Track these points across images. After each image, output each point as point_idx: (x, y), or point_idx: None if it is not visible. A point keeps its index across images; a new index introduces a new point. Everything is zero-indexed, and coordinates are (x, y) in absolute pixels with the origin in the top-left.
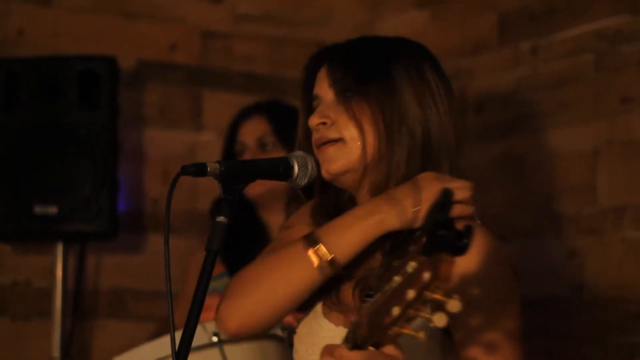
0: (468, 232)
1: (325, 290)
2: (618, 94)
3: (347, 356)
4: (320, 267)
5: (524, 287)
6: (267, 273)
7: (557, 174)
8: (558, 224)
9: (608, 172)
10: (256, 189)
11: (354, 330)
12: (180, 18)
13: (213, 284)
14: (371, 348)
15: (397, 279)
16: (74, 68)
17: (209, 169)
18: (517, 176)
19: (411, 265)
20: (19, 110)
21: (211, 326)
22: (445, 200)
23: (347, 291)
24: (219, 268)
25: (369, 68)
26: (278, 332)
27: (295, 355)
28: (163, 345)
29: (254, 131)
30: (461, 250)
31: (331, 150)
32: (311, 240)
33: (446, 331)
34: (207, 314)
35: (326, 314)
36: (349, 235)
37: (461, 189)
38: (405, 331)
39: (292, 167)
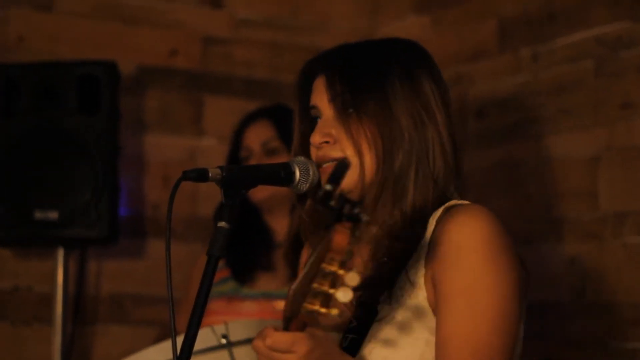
0: (359, 203)
1: None
2: (618, 99)
3: (271, 337)
4: None
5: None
6: None
7: (557, 179)
8: (558, 229)
9: (608, 178)
10: (261, 193)
11: (283, 312)
12: (180, 23)
13: (218, 288)
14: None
15: (313, 255)
16: (73, 73)
17: (210, 174)
18: (517, 182)
19: (323, 241)
20: (19, 116)
21: (220, 328)
22: (337, 171)
23: None
24: (223, 272)
25: (366, 83)
26: None
27: None
28: (169, 348)
29: (259, 136)
30: (353, 218)
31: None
32: None
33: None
34: (213, 318)
35: None
36: None
37: None
38: (313, 307)
39: (294, 173)
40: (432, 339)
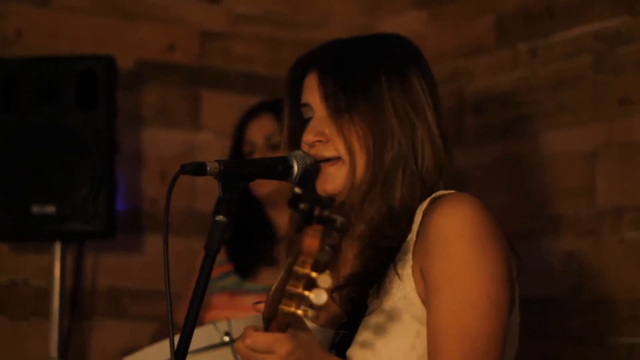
0: (329, 202)
1: None
2: (616, 95)
3: (251, 337)
4: None
5: (522, 288)
6: None
7: (555, 175)
8: (556, 225)
9: (606, 174)
10: (265, 188)
11: (263, 313)
12: (178, 18)
13: (220, 283)
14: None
15: (289, 258)
16: (72, 68)
17: (208, 168)
18: (515, 177)
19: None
20: (17, 111)
21: (222, 325)
22: (306, 174)
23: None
24: (226, 267)
25: (358, 82)
26: None
27: None
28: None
29: (262, 130)
30: (323, 221)
31: (331, 169)
32: None
33: None
34: (215, 312)
35: None
36: None
37: None
38: (289, 309)
39: (292, 167)
40: (423, 329)
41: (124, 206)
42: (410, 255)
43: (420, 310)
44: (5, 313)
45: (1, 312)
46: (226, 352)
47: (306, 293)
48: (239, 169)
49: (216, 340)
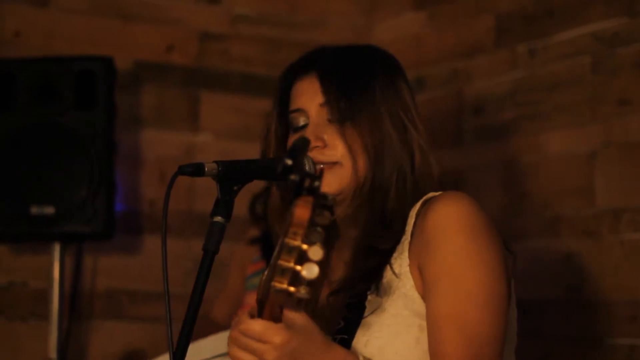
0: (319, 175)
1: None
2: (615, 96)
3: (245, 323)
4: None
5: (521, 289)
6: None
7: (554, 176)
8: (555, 226)
9: (605, 175)
10: None
11: (257, 293)
12: (177, 19)
13: (253, 281)
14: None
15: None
16: (70, 69)
17: (206, 169)
18: (514, 178)
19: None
20: (16, 111)
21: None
22: (296, 146)
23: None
24: (259, 264)
25: (359, 91)
26: None
27: None
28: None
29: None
30: (313, 192)
31: (328, 174)
32: None
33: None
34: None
35: None
36: None
37: None
38: (281, 286)
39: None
40: (425, 324)
41: (122, 207)
42: (406, 254)
43: (420, 305)
44: (3, 314)
45: (0, 313)
46: None
47: (297, 267)
48: (237, 170)
49: None
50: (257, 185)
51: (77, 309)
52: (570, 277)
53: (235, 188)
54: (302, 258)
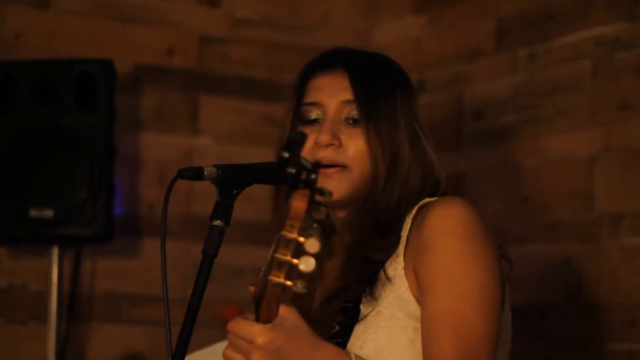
0: (315, 167)
1: None
2: (615, 100)
3: (235, 322)
4: None
5: (520, 293)
6: None
7: (554, 180)
8: (555, 230)
9: (605, 179)
10: None
11: (253, 294)
12: (177, 22)
13: None
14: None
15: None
16: (70, 71)
17: (206, 173)
18: (514, 182)
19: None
20: (16, 114)
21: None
22: (293, 139)
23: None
24: None
25: (380, 97)
26: None
27: None
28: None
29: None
30: (310, 185)
31: (336, 177)
32: None
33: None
34: None
35: None
36: None
37: None
38: (278, 279)
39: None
40: (419, 326)
41: (121, 210)
42: (401, 258)
43: (415, 308)
44: (2, 317)
45: None
46: None
47: (294, 261)
48: (236, 174)
49: None
50: (256, 189)
51: (76, 312)
52: (570, 281)
53: (234, 192)
54: (299, 251)
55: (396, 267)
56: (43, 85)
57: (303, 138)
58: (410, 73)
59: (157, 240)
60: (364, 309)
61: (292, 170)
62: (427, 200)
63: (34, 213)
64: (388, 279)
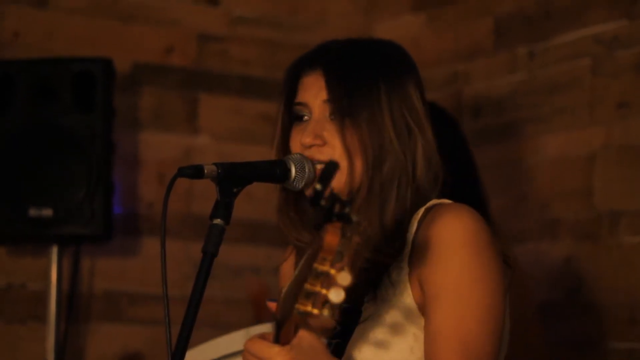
0: (350, 202)
1: None
2: (614, 99)
3: (254, 343)
4: None
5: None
6: None
7: (553, 178)
8: (554, 229)
9: (604, 178)
10: None
11: (274, 315)
12: (176, 21)
13: None
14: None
15: (303, 258)
16: (69, 70)
17: (206, 171)
18: (513, 181)
19: (314, 241)
20: (14, 113)
21: (255, 330)
22: (326, 171)
23: None
24: None
25: (363, 91)
26: None
27: None
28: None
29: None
30: (343, 218)
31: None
32: None
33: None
34: None
35: None
36: None
37: None
38: (305, 308)
39: (289, 170)
40: (420, 334)
41: (120, 209)
42: (405, 263)
43: (416, 316)
44: (1, 316)
45: None
46: None
47: (324, 291)
48: (236, 172)
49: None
50: (256, 188)
51: (75, 311)
52: (569, 279)
53: (234, 190)
54: (330, 283)
55: (400, 272)
56: (41, 84)
57: (335, 169)
58: None
59: (156, 240)
60: (365, 311)
61: (326, 203)
62: (434, 201)
63: (33, 212)
64: (391, 283)
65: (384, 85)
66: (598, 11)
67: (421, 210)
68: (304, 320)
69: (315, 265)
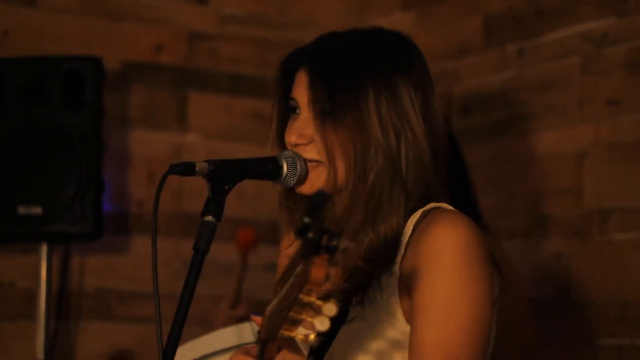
0: (338, 234)
1: None
2: (604, 96)
3: (237, 358)
4: None
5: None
6: None
7: (543, 176)
8: (544, 226)
9: (594, 175)
10: None
11: (258, 332)
12: (165, 19)
13: None
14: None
15: (289, 282)
16: (59, 68)
17: (197, 168)
18: (503, 178)
19: (298, 269)
20: (4, 111)
21: (245, 327)
22: (315, 203)
23: None
24: None
25: (346, 93)
26: None
27: None
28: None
29: None
30: (331, 251)
31: (312, 174)
32: None
33: None
34: None
35: None
36: None
37: None
38: (290, 334)
39: (281, 167)
40: (402, 340)
41: (110, 207)
42: (396, 268)
43: (401, 322)
44: None
45: None
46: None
47: (309, 319)
48: (228, 169)
49: (249, 339)
50: (246, 186)
51: (65, 309)
52: (559, 277)
53: (226, 187)
54: (315, 312)
55: (390, 277)
56: (31, 83)
57: (325, 201)
58: None
59: (146, 238)
60: (352, 312)
61: (313, 236)
62: (433, 205)
63: (22, 210)
64: (380, 287)
65: (372, 85)
66: (587, 9)
67: (418, 213)
68: (288, 343)
69: (301, 296)
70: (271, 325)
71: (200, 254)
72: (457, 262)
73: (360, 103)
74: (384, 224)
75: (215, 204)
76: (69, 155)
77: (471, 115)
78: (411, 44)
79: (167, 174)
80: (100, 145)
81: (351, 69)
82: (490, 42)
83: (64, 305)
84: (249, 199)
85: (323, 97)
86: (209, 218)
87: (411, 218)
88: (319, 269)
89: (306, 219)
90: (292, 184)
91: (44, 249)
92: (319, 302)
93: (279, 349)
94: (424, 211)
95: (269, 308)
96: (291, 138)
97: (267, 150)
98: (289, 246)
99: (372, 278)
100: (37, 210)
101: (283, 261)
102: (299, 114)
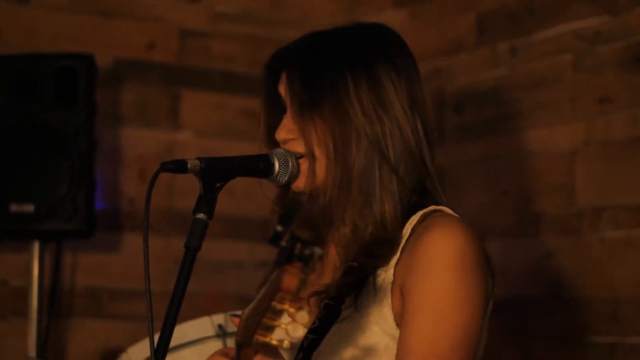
0: (311, 243)
1: None
2: (596, 94)
3: None
4: None
5: (502, 287)
6: None
7: (535, 174)
8: (536, 224)
9: (586, 173)
10: None
11: (235, 335)
12: (157, 17)
13: None
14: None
15: (264, 288)
16: (51, 66)
17: (189, 166)
18: (494, 176)
19: (273, 276)
20: None
21: (218, 318)
22: (287, 212)
23: None
24: None
25: (323, 85)
26: None
27: None
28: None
29: None
30: (304, 259)
31: (303, 167)
32: None
33: None
34: None
35: None
36: None
37: None
38: (264, 339)
39: (273, 165)
40: (391, 344)
41: (102, 205)
42: (391, 271)
43: (391, 326)
44: None
45: None
46: (217, 345)
47: (283, 326)
48: (219, 167)
49: (210, 333)
50: (238, 183)
51: (57, 307)
52: (551, 274)
53: (218, 185)
54: (289, 319)
55: (385, 279)
56: (23, 80)
57: (297, 207)
58: None
59: (138, 235)
60: (344, 311)
61: (286, 244)
62: (433, 207)
63: (14, 208)
64: (374, 288)
65: (350, 74)
66: (579, 7)
67: (417, 216)
68: (264, 347)
69: (274, 303)
70: (247, 329)
71: (191, 251)
72: (451, 269)
73: (340, 92)
74: (380, 206)
75: (206, 201)
76: (61, 152)
77: (464, 112)
78: (392, 33)
79: (159, 172)
80: (93, 143)
81: (329, 61)
82: (482, 39)
83: (56, 302)
84: (240, 197)
85: (300, 90)
86: (201, 216)
87: (410, 220)
88: (291, 278)
89: (279, 227)
90: (283, 181)
91: (36, 247)
92: (291, 310)
93: (256, 353)
94: (423, 213)
95: (246, 312)
96: (280, 135)
97: (259, 148)
98: None
99: (368, 276)
100: (29, 207)
101: None
102: (287, 111)
